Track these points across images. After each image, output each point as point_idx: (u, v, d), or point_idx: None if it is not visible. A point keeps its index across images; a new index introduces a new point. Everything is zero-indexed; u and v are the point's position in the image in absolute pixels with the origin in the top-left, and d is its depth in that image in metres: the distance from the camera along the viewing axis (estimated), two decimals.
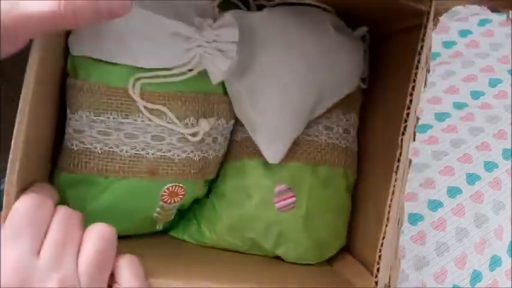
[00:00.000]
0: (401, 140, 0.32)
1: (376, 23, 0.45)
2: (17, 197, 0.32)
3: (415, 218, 0.58)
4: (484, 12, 0.73)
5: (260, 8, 0.43)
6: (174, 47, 0.37)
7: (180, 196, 0.41)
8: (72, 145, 0.38)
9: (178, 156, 0.39)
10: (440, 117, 0.65)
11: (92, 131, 0.38)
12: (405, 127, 0.32)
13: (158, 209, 0.41)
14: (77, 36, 0.37)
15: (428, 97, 0.67)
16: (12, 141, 0.32)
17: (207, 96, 0.40)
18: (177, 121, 0.39)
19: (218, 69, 0.37)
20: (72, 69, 0.38)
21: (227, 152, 0.45)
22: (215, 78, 0.38)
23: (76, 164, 0.38)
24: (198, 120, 0.40)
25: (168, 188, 0.40)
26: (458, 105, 0.66)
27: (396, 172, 0.33)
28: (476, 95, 0.66)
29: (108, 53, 0.36)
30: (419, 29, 0.38)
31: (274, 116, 0.41)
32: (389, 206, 0.33)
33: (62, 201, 0.39)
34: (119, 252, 0.34)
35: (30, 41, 0.32)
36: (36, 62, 0.32)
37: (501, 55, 0.69)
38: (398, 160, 0.32)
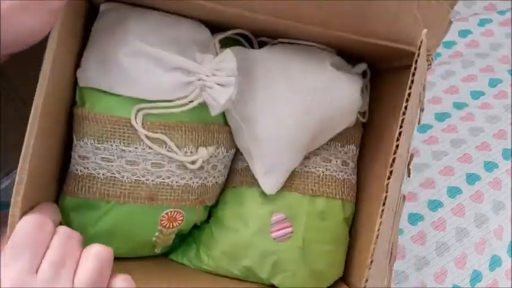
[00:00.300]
0: (387, 184, 0.33)
1: (371, 62, 0.46)
2: (21, 218, 0.34)
3: (415, 218, 0.59)
4: (485, 12, 0.73)
5: (262, 45, 0.45)
6: (176, 80, 0.39)
7: (179, 221, 0.43)
8: (77, 170, 0.40)
9: (177, 182, 0.41)
10: (440, 117, 0.65)
11: (95, 157, 0.40)
12: (391, 171, 0.32)
13: (157, 234, 0.42)
14: (85, 68, 0.39)
15: (428, 97, 0.67)
16: (19, 164, 0.34)
17: (207, 126, 0.42)
18: (176, 149, 0.40)
19: (217, 102, 0.39)
20: (80, 99, 0.40)
21: (227, 180, 0.47)
22: (214, 110, 0.40)
23: (80, 188, 0.40)
24: (197, 149, 0.41)
25: (166, 213, 0.42)
26: (458, 105, 0.66)
27: (381, 216, 0.33)
28: (476, 95, 0.66)
29: (113, 85, 0.39)
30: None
31: (270, 148, 0.42)
32: (375, 243, 0.33)
33: (66, 224, 0.41)
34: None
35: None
36: (43, 93, 0.34)
37: (501, 55, 0.69)
38: (383, 204, 0.33)
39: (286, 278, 0.44)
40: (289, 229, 0.43)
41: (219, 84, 0.39)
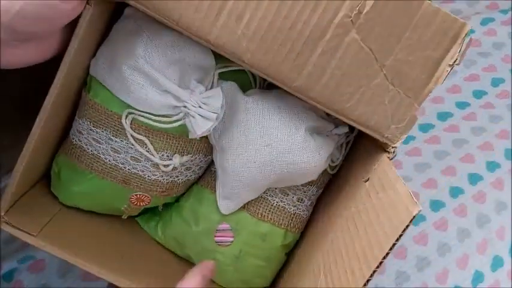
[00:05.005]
0: None
1: None
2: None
3: (416, 219, 0.60)
4: (487, 11, 0.71)
5: (265, 81, 0.49)
6: (165, 101, 0.43)
7: (146, 202, 0.51)
8: (73, 139, 0.48)
9: (148, 176, 0.48)
10: (443, 116, 0.66)
11: (88, 136, 0.47)
12: None
13: (126, 206, 0.51)
14: (97, 61, 0.45)
15: (430, 96, 0.67)
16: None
17: (188, 138, 0.48)
18: (154, 152, 0.47)
19: (194, 131, 0.44)
20: (88, 84, 0.46)
21: (201, 176, 0.53)
22: (191, 136, 0.45)
23: (72, 154, 0.48)
24: (173, 154, 0.48)
25: (136, 195, 0.49)
26: (461, 105, 0.67)
27: None
28: (478, 94, 0.66)
29: (112, 87, 0.44)
30: None
31: (232, 181, 0.47)
32: None
33: (58, 173, 0.50)
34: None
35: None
36: (59, 83, 0.40)
37: (503, 54, 0.69)
38: None
39: (217, 274, 0.52)
40: (231, 238, 0.51)
41: (201, 116, 0.44)
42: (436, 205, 0.60)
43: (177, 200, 0.54)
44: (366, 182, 0.43)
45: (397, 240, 0.32)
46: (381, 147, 0.43)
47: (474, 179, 0.61)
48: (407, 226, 0.32)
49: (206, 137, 0.49)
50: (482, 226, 0.59)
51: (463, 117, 0.65)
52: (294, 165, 0.45)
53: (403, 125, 0.41)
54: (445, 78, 0.41)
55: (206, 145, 0.50)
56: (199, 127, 0.44)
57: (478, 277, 0.57)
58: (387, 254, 0.33)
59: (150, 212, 0.56)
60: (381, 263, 0.32)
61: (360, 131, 0.50)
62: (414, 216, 0.32)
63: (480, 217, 0.59)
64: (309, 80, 0.40)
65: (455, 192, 0.60)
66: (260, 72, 0.40)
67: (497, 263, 0.58)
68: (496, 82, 0.67)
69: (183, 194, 0.54)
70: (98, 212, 0.52)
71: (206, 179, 0.53)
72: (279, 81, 0.40)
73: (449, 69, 0.39)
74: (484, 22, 0.70)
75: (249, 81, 0.49)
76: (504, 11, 0.71)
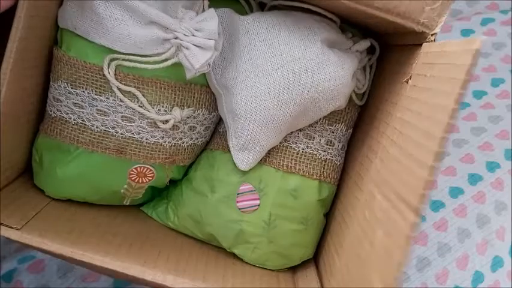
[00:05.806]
0: None
1: (379, 35, 0.42)
2: None
3: None
4: (487, 12, 0.70)
5: (263, 6, 0.42)
6: (150, 35, 0.36)
7: (149, 177, 0.42)
8: (51, 111, 0.40)
9: (146, 139, 0.40)
10: None
11: (68, 101, 0.39)
12: None
13: (126, 186, 0.42)
14: (64, 9, 0.38)
15: None
16: None
17: (186, 85, 0.40)
18: (148, 106, 0.39)
19: (191, 65, 0.36)
20: (59, 39, 0.39)
21: (209, 141, 0.45)
22: (189, 73, 0.38)
23: (52, 129, 0.40)
24: (172, 108, 0.40)
25: (136, 168, 0.41)
26: (461, 105, 0.63)
27: None
28: (478, 94, 0.66)
29: (87, 31, 0.37)
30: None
31: (245, 125, 0.40)
32: None
33: (39, 161, 0.42)
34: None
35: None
36: (17, 37, 0.33)
37: (503, 54, 0.68)
38: None
39: (248, 250, 0.43)
40: (257, 201, 0.42)
41: (196, 46, 0.36)
42: (436, 205, 0.59)
43: (185, 174, 0.46)
44: (407, 81, 0.35)
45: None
46: (415, 46, 0.36)
47: (474, 179, 0.60)
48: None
49: (207, 88, 0.42)
50: (482, 226, 0.59)
51: (463, 117, 0.64)
52: (316, 86, 0.38)
53: (438, 5, 0.34)
54: None
55: (208, 97, 0.42)
56: (197, 59, 0.36)
57: (478, 277, 0.57)
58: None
59: (156, 198, 0.47)
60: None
61: (381, 53, 0.43)
62: (478, 50, 0.25)
63: (480, 217, 0.59)
64: None
65: (455, 192, 0.60)
66: None
67: (497, 264, 0.57)
68: (496, 82, 0.66)
69: (191, 165, 0.46)
70: (93, 202, 0.44)
71: (215, 141, 0.45)
72: None
73: None
74: (484, 22, 0.70)
75: (244, 11, 0.42)
76: (504, 11, 0.70)
